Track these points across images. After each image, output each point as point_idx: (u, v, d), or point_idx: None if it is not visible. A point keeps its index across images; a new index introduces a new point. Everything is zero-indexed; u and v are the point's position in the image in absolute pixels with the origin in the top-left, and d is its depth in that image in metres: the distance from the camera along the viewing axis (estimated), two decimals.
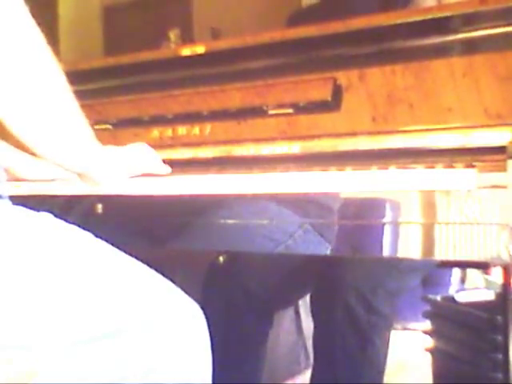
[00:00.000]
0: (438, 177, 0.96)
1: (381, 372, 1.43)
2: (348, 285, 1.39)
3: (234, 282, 1.58)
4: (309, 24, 1.22)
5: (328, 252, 1.06)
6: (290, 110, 1.19)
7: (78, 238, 0.89)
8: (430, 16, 1.11)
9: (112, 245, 0.91)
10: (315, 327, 1.49)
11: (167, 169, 1.18)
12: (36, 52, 0.80)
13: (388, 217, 0.97)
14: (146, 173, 1.14)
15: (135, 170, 1.10)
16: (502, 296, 1.50)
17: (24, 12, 0.78)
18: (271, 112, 1.21)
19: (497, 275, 1.68)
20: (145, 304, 0.88)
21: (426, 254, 0.96)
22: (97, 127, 1.40)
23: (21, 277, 0.83)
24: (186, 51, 1.36)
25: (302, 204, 1.07)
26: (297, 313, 1.98)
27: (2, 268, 0.82)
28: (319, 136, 1.15)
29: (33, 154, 0.87)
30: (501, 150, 0.96)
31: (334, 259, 1.37)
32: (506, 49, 1.02)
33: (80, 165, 0.94)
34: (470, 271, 2.22)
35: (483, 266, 1.77)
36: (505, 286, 1.47)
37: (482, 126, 1.01)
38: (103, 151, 0.97)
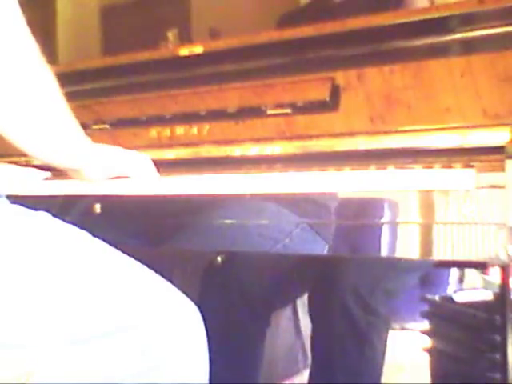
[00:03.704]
0: (436, 177, 0.96)
1: (379, 372, 1.43)
2: (346, 285, 1.39)
3: (231, 281, 1.58)
4: (300, 24, 1.22)
5: (325, 251, 1.06)
6: (289, 110, 1.19)
7: (76, 238, 0.89)
8: (428, 16, 1.11)
9: (110, 245, 0.91)
10: (313, 327, 1.49)
11: (155, 177, 1.15)
12: (24, 54, 0.80)
13: (386, 217, 0.97)
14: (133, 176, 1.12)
15: (122, 169, 1.09)
16: (500, 296, 1.50)
17: (13, 11, 0.78)
18: (269, 112, 1.21)
19: (495, 275, 1.68)
20: (141, 304, 0.88)
21: (424, 253, 0.96)
22: (95, 127, 1.40)
23: (18, 276, 0.83)
24: (184, 51, 1.36)
25: (300, 203, 1.07)
26: (295, 313, 1.98)
27: (0, 267, 0.82)
28: (317, 136, 1.15)
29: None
30: (499, 150, 0.96)
31: (332, 259, 1.37)
32: (504, 49, 1.02)
33: (70, 162, 0.95)
34: (468, 271, 2.22)
35: (481, 266, 1.77)
36: (503, 285, 1.47)
37: (481, 126, 1.01)
38: (93, 148, 0.98)
